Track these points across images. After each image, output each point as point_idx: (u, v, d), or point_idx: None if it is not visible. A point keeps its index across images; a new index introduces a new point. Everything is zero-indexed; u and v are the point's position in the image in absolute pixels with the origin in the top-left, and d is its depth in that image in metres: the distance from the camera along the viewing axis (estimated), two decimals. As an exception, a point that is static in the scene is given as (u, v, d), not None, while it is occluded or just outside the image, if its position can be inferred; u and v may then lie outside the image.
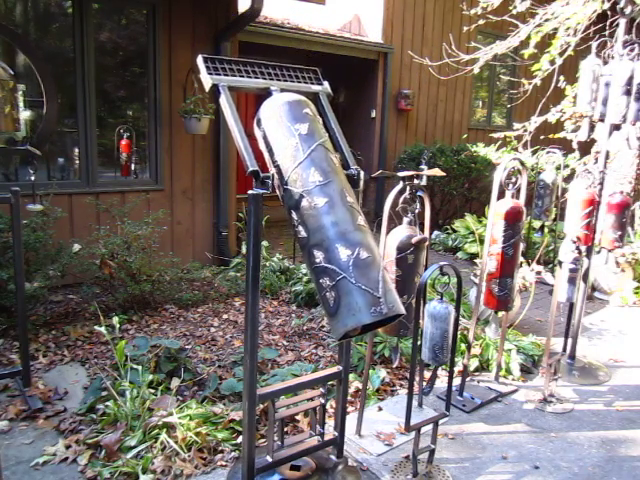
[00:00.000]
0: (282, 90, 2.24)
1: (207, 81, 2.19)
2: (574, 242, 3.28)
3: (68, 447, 2.57)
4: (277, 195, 2.06)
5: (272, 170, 2.04)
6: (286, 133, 2.00)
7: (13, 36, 4.47)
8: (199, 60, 2.21)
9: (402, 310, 1.92)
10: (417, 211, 2.65)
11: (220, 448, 2.61)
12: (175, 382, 2.98)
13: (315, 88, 2.40)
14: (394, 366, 3.43)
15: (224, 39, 5.33)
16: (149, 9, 5.02)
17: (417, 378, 2.86)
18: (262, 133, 2.09)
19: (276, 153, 2.01)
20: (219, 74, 2.22)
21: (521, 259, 3.54)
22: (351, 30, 8.56)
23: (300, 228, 1.99)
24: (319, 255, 1.91)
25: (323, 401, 2.41)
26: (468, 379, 3.41)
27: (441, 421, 2.70)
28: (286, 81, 2.33)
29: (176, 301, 4.52)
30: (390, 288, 1.91)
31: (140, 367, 2.92)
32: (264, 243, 5.22)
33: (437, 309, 2.39)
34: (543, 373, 3.52)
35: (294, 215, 2.00)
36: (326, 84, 2.45)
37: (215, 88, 2.19)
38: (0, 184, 4.59)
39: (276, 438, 2.35)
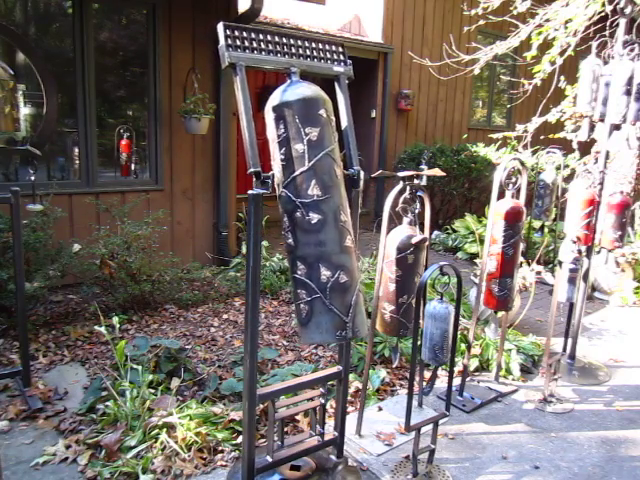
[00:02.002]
0: (302, 71, 2.14)
1: (224, 58, 2.02)
2: (574, 242, 3.28)
3: (68, 447, 2.57)
4: (276, 194, 2.06)
5: (274, 167, 2.02)
6: (295, 136, 1.95)
7: (13, 36, 4.47)
8: (219, 28, 2.01)
9: (365, 333, 2.11)
10: (417, 211, 2.66)
11: (220, 448, 2.61)
12: (175, 382, 2.98)
13: (337, 69, 2.28)
14: (394, 366, 3.43)
15: (224, 39, 5.32)
16: (149, 9, 5.02)
17: (417, 378, 2.86)
18: (274, 122, 2.00)
19: (284, 148, 1.98)
20: (238, 48, 2.04)
21: (521, 259, 3.53)
22: (351, 30, 8.57)
23: (289, 235, 2.01)
24: (302, 268, 1.98)
25: (323, 401, 2.41)
26: (468, 379, 3.41)
27: (441, 421, 2.70)
28: (307, 58, 2.20)
29: (176, 301, 4.52)
30: (360, 311, 2.04)
31: (140, 367, 2.92)
32: (264, 243, 5.23)
33: (437, 309, 2.39)
34: (543, 373, 3.52)
35: (286, 220, 2.01)
36: (349, 65, 2.31)
37: (232, 66, 2.02)
38: (0, 184, 4.59)
39: (276, 438, 2.35)
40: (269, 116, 2.01)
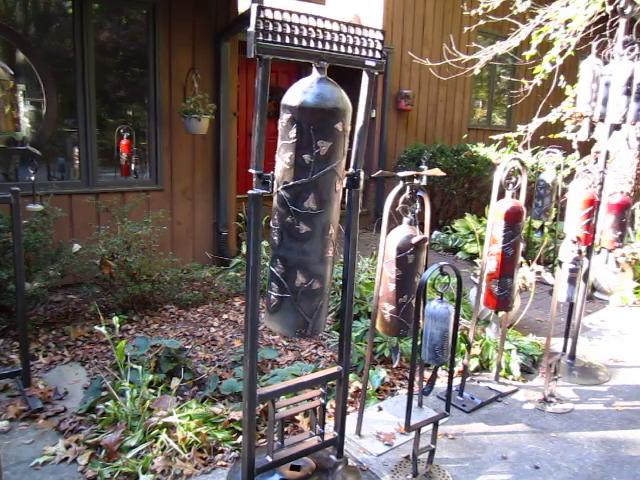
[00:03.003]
0: (330, 66, 1.96)
1: (251, 47, 1.79)
2: (574, 242, 3.28)
3: (68, 447, 2.57)
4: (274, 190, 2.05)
5: (277, 164, 2.01)
6: (305, 145, 1.91)
7: (13, 36, 4.47)
8: (253, 9, 1.75)
9: (321, 331, 2.33)
10: (417, 211, 2.65)
11: (220, 448, 2.61)
12: (175, 382, 2.98)
13: (369, 63, 2.07)
14: (394, 366, 3.43)
15: (224, 39, 5.33)
16: (149, 9, 5.02)
17: (417, 378, 2.86)
18: (287, 122, 1.92)
19: (291, 153, 1.95)
20: (269, 34, 1.80)
21: (521, 259, 3.53)
22: (351, 30, 8.55)
23: (276, 233, 2.04)
24: (280, 266, 2.05)
25: (323, 401, 2.41)
26: (468, 379, 3.41)
27: (441, 421, 2.70)
28: (340, 45, 1.96)
29: (176, 301, 4.52)
30: (322, 313, 2.16)
31: (140, 367, 2.92)
32: (264, 243, 5.22)
33: (437, 309, 2.39)
34: (543, 373, 3.52)
35: (276, 218, 2.03)
36: (384, 58, 2.11)
37: (258, 58, 1.82)
38: (0, 184, 4.59)
39: (276, 438, 2.35)
40: (285, 113, 1.93)
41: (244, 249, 5.16)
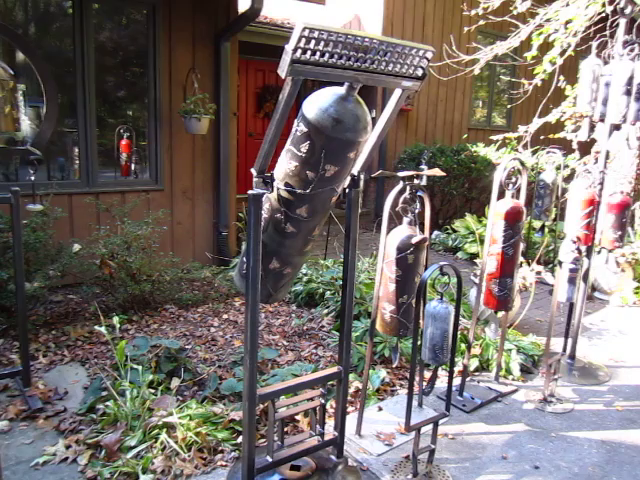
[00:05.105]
0: (364, 86, 1.86)
1: (285, 66, 1.65)
2: (574, 242, 3.28)
3: (68, 447, 2.57)
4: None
5: (280, 163, 2.02)
6: (313, 164, 1.90)
7: (13, 36, 4.46)
8: (297, 29, 1.59)
9: (280, 300, 2.47)
10: (417, 211, 2.65)
11: (220, 448, 2.61)
12: (175, 382, 2.99)
13: (405, 84, 1.91)
14: (394, 366, 3.43)
15: (224, 39, 5.33)
16: (149, 9, 5.02)
17: (417, 378, 2.86)
18: (301, 135, 1.88)
19: (297, 164, 1.94)
20: (307, 51, 1.64)
21: (521, 259, 3.53)
22: (351, 30, 8.54)
23: (264, 219, 2.08)
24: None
25: (323, 401, 2.41)
26: (468, 379, 3.41)
27: (441, 421, 2.70)
28: (376, 67, 1.79)
29: (176, 301, 4.52)
30: (286, 288, 2.34)
31: (140, 367, 2.92)
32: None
33: (437, 309, 2.39)
34: (543, 373, 3.52)
35: (267, 207, 2.07)
36: (424, 78, 1.91)
37: (290, 77, 1.70)
38: (0, 184, 4.59)
39: (276, 438, 2.35)
40: (302, 124, 1.87)
41: (244, 249, 5.16)
